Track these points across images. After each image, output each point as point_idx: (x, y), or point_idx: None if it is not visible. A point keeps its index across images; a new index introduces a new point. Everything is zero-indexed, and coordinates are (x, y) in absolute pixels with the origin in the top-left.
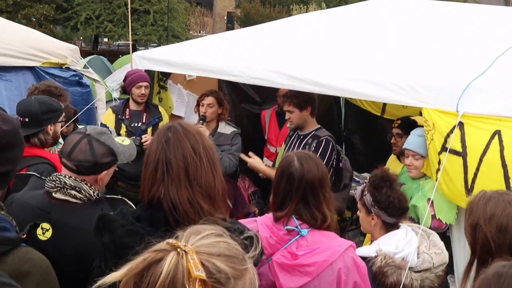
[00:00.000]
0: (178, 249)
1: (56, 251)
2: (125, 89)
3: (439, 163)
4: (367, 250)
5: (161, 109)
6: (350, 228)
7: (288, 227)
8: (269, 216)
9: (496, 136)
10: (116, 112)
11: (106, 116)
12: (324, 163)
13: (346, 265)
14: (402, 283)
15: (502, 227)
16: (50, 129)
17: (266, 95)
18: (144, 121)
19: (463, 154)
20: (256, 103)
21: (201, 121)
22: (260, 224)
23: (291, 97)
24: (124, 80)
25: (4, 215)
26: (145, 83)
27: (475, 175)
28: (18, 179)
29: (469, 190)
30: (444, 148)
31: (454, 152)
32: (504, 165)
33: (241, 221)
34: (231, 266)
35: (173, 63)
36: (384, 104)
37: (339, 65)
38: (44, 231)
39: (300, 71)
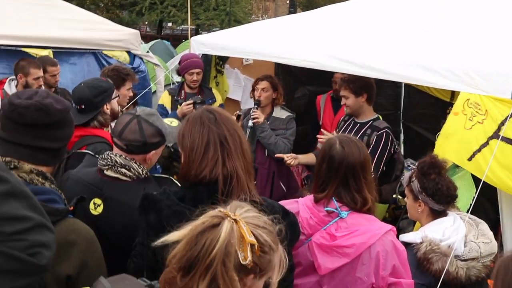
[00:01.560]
0: (229, 218)
1: (106, 225)
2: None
3: (482, 147)
4: (412, 236)
5: (214, 91)
6: (404, 216)
7: (328, 208)
8: (310, 198)
9: None
10: (172, 94)
11: (163, 97)
12: (384, 156)
13: (385, 248)
14: (446, 269)
15: None
16: (107, 108)
17: (318, 80)
18: None
19: None
20: (309, 88)
21: (255, 106)
22: (301, 205)
23: (347, 82)
24: (179, 63)
25: (54, 188)
26: (197, 70)
27: None
28: (75, 157)
29: None
30: (496, 135)
31: (506, 140)
32: None
33: (283, 202)
34: (271, 239)
35: (229, 47)
36: (453, 91)
37: (392, 50)
38: (96, 206)
39: (353, 55)
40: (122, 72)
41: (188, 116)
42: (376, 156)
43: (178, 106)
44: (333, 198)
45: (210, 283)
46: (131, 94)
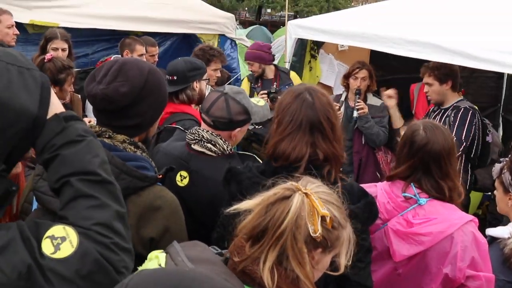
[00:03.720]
0: (300, 191)
1: (191, 197)
2: None
3: None
4: (500, 230)
5: (292, 75)
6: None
7: (406, 194)
8: (389, 183)
9: None
10: (251, 80)
11: (243, 83)
12: (464, 133)
13: (464, 239)
14: None
15: None
16: (196, 86)
17: (412, 68)
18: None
19: None
20: (404, 77)
21: (357, 96)
22: (380, 189)
23: (432, 69)
24: None
25: (146, 156)
26: (247, 61)
27: None
28: (166, 132)
29: None
30: None
31: None
32: None
33: (363, 185)
34: (340, 214)
35: (325, 31)
36: None
37: (501, 38)
38: (182, 178)
39: (457, 44)
40: (208, 52)
41: (289, 89)
42: (455, 131)
43: (255, 93)
44: (411, 184)
45: (280, 254)
46: (218, 74)
